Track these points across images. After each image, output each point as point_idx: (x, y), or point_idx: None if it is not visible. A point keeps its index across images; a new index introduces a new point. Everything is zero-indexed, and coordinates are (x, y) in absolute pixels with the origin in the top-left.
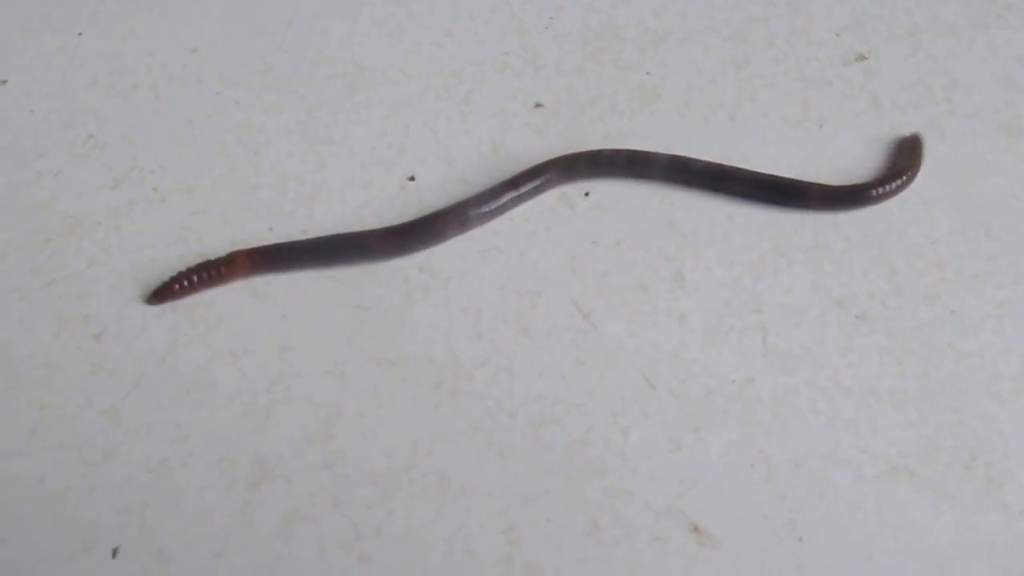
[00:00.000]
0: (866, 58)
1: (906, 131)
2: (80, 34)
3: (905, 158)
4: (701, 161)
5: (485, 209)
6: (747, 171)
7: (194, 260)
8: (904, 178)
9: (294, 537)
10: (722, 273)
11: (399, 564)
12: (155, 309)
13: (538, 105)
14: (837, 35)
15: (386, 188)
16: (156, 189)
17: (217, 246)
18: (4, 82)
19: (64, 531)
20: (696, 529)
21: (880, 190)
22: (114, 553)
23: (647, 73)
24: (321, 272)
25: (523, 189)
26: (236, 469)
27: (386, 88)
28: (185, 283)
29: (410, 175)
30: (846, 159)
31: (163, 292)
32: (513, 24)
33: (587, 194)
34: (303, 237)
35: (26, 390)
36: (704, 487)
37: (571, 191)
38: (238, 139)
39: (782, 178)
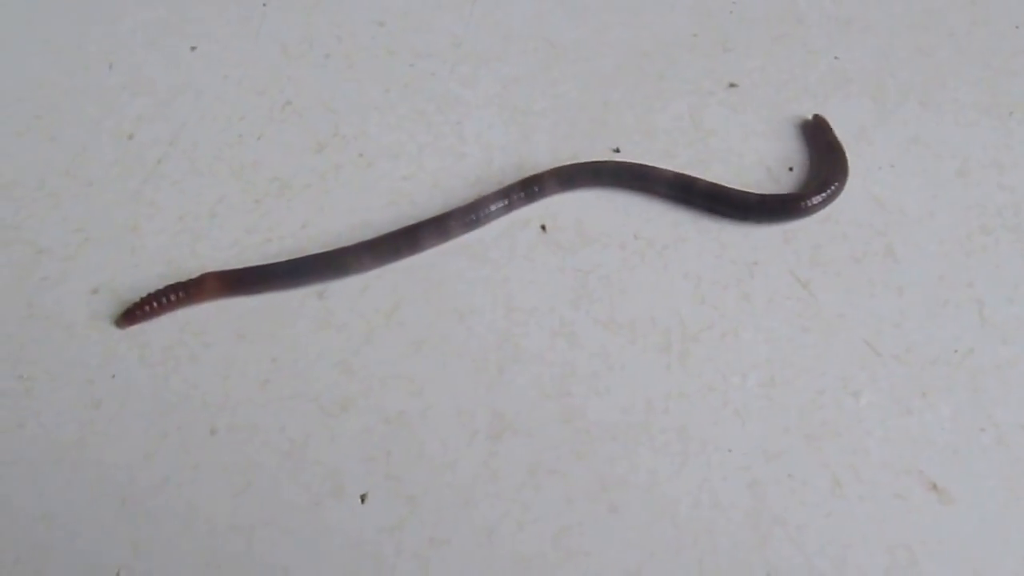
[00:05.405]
0: None
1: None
2: (264, 4)
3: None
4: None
5: None
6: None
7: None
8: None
9: (541, 487)
10: (932, 248)
11: (648, 514)
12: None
13: (732, 85)
14: (1016, 27)
15: (592, 159)
16: (362, 154)
17: (430, 208)
18: (194, 48)
19: (310, 477)
20: (935, 487)
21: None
22: (363, 499)
23: (835, 57)
24: (537, 236)
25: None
26: (475, 422)
27: (579, 64)
28: (155, 304)
29: (615, 147)
30: None
31: (133, 314)
32: (697, 6)
33: (791, 168)
34: None
35: (255, 342)
36: (938, 448)
37: (775, 165)
38: (438, 108)
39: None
